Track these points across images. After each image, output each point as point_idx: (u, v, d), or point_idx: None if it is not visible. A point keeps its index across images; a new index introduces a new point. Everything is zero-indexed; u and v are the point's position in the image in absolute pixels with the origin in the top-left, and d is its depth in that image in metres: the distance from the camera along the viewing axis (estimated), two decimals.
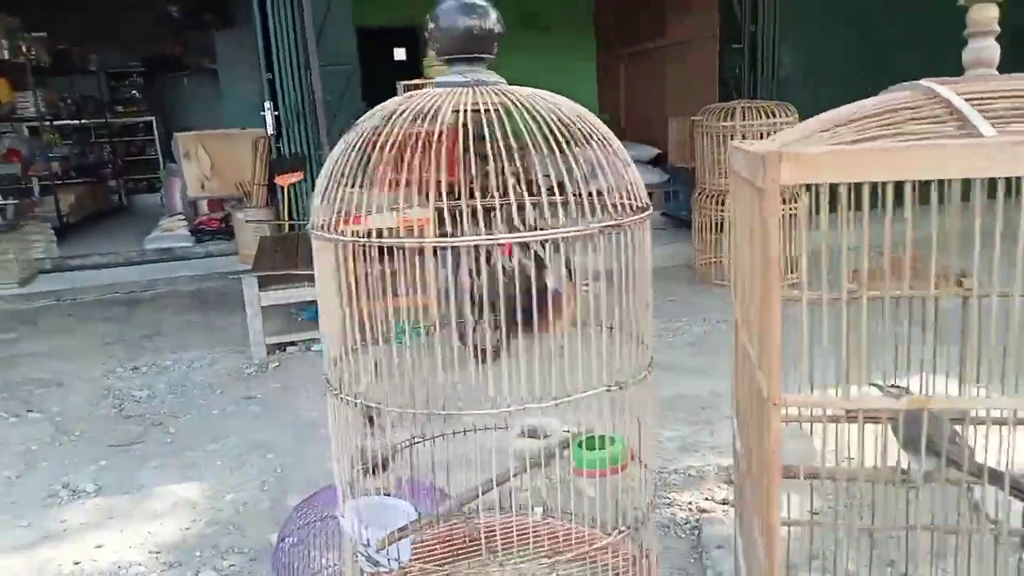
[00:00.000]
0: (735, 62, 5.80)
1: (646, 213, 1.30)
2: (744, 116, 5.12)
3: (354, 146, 1.29)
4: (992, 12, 1.09)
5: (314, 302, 4.34)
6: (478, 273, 1.36)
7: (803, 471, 1.23)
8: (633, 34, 8.27)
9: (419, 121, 1.24)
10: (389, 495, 1.46)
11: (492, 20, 1.27)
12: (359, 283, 1.36)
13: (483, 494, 1.38)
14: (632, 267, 1.28)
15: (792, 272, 4.58)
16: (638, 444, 1.40)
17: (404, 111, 1.29)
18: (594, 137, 1.27)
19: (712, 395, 3.35)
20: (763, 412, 1.01)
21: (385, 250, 1.26)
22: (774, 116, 5.06)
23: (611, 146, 1.28)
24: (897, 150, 0.87)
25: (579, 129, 1.27)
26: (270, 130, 5.53)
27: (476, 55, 1.31)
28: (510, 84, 1.31)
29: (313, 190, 1.38)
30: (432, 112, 1.24)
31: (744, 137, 5.11)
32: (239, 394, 3.78)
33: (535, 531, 1.53)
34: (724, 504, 2.49)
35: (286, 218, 5.63)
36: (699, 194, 5.41)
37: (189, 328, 4.96)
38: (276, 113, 5.44)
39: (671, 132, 6.04)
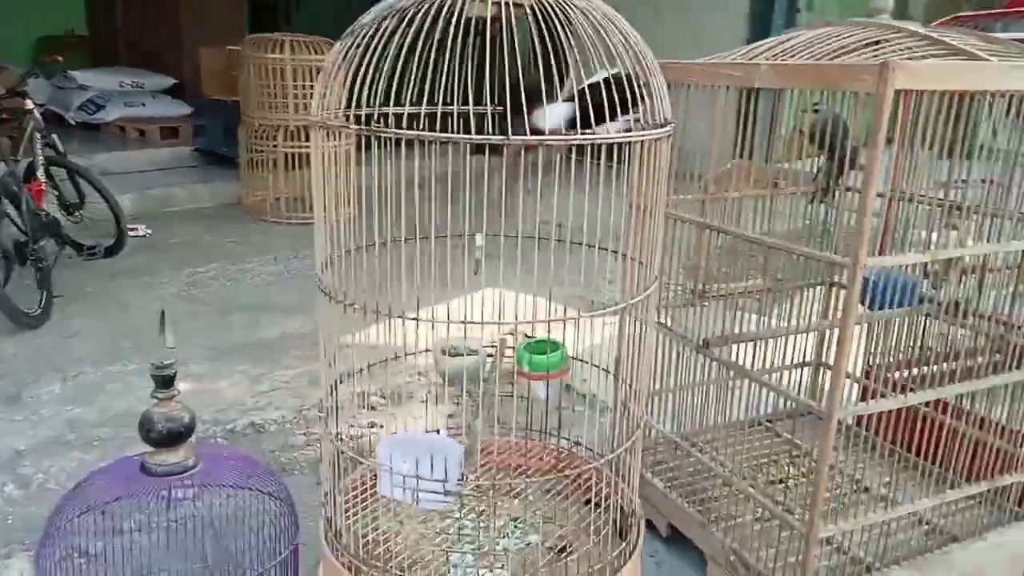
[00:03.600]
0: None
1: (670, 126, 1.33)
2: (293, 50, 5.01)
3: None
4: None
5: None
6: None
7: None
8: None
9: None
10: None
11: None
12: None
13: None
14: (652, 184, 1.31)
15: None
16: (633, 364, 1.43)
17: None
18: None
19: (314, 329, 3.35)
20: None
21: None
22: (322, 52, 5.07)
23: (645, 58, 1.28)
24: (985, 66, 1.17)
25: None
26: None
27: None
28: None
29: None
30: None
31: (295, 72, 5.03)
32: None
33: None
34: (372, 427, 2.50)
35: None
36: (247, 130, 5.12)
37: None
38: None
39: (203, 61, 5.49)
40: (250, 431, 2.54)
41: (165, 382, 1.55)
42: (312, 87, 5.04)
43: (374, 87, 1.21)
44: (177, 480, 1.60)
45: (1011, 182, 1.55)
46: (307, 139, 5.05)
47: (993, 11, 2.02)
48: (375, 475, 1.42)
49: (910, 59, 1.31)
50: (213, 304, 3.63)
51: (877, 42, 1.39)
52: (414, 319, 1.20)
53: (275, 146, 5.07)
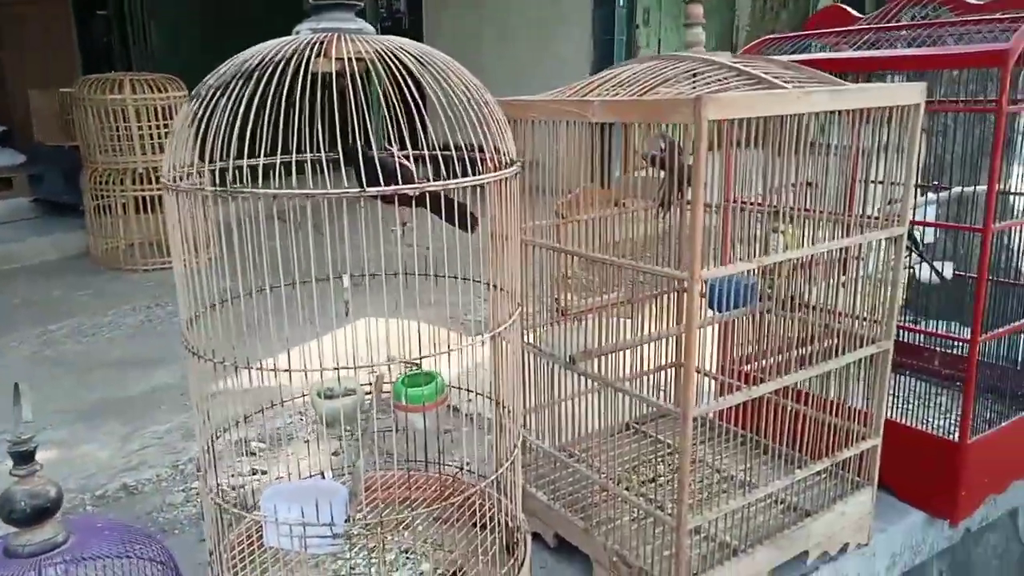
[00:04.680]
0: (100, 30, 5.29)
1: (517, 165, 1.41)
2: (134, 89, 4.84)
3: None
4: (699, 9, 1.62)
5: None
6: None
7: None
8: None
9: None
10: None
11: None
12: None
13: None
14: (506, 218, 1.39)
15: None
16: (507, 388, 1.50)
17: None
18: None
19: (184, 379, 3.25)
20: None
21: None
22: (166, 90, 4.92)
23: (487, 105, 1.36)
24: (783, 94, 1.32)
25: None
26: None
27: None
28: None
29: None
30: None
31: (138, 112, 4.84)
32: None
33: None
34: (255, 474, 2.45)
35: None
36: (91, 175, 4.88)
37: None
38: None
39: (34, 105, 5.17)
40: (122, 494, 2.43)
41: (25, 457, 1.49)
42: (159, 126, 4.87)
43: (226, 143, 1.22)
44: (47, 558, 1.54)
45: (825, 183, 1.74)
46: (158, 181, 4.87)
47: (798, 34, 2.24)
48: (260, 527, 1.42)
49: (723, 89, 1.46)
50: (71, 363, 3.44)
51: (695, 74, 1.53)
52: (287, 370, 1.22)
53: (123, 191, 4.85)
